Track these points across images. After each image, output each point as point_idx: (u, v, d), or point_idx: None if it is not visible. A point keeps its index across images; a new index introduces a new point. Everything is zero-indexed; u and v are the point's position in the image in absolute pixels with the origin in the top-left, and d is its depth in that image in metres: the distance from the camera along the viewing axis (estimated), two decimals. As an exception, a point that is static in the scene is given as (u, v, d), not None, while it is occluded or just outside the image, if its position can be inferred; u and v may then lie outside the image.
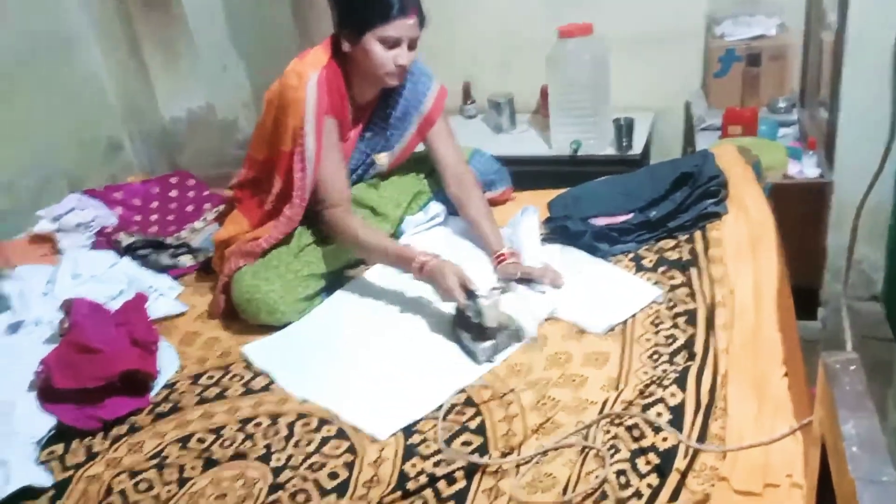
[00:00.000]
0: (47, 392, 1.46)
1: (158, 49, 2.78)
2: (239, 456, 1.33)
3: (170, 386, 1.56)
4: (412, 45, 1.72)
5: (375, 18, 1.65)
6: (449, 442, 1.28)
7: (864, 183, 2.20)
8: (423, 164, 2.05)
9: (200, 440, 1.39)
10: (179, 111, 2.88)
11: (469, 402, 1.38)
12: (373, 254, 1.76)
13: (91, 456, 1.39)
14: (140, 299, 1.75)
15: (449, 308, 1.61)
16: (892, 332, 2.31)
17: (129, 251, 1.98)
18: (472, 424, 1.32)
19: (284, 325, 1.69)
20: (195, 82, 2.91)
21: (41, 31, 2.39)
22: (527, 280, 1.67)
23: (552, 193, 1.97)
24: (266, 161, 1.79)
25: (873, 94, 2.23)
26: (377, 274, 1.82)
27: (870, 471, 0.71)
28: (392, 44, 1.68)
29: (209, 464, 1.32)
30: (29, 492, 1.30)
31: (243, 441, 1.36)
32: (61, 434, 1.44)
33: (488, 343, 1.49)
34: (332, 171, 1.74)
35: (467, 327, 1.52)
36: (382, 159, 1.94)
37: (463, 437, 1.29)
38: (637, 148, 2.67)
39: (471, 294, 1.53)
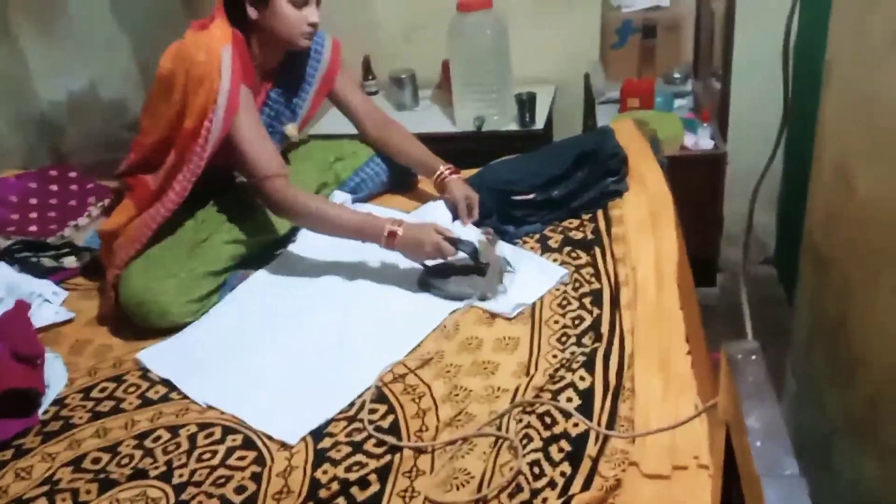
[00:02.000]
0: (-82, 419, 1.34)
1: (31, 23, 2.57)
2: (138, 475, 1.25)
3: (59, 402, 1.45)
4: (319, 3, 1.71)
5: None
6: (360, 444, 1.24)
7: (756, 153, 2.26)
8: (329, 151, 1.99)
9: (95, 460, 1.30)
10: (59, 94, 2.69)
11: (381, 398, 1.35)
12: (329, 226, 1.66)
13: (-27, 487, 1.28)
14: (21, 308, 1.63)
15: (373, 275, 1.65)
16: (785, 294, 2.43)
17: (5, 255, 1.83)
18: (385, 422, 1.29)
19: (178, 329, 1.61)
20: (75, 61, 2.72)
21: None
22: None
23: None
24: (160, 142, 1.69)
25: (764, 63, 2.30)
26: (282, 264, 1.76)
27: (773, 465, 0.72)
28: (302, 3, 1.66)
29: (106, 485, 1.24)
30: None
31: (142, 458, 1.29)
32: (-63, 463, 1.33)
33: (490, 274, 1.56)
34: (261, 140, 1.66)
35: (457, 272, 1.58)
36: (291, 130, 1.89)
37: (374, 439, 1.25)
38: (540, 122, 2.68)
39: (454, 241, 1.57)
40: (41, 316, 1.67)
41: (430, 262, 1.62)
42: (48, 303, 1.72)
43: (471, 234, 1.70)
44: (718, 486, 1.01)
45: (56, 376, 1.50)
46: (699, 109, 2.50)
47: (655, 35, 2.67)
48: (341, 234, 1.65)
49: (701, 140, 2.33)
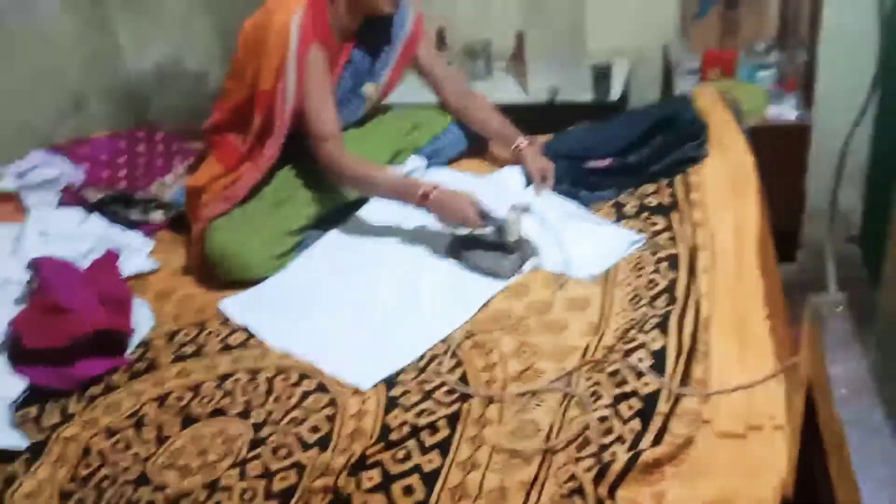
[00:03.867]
0: (18, 353, 1.43)
1: (121, -1, 2.67)
2: (218, 413, 1.31)
3: (145, 344, 1.53)
4: None
5: None
6: (430, 393, 1.27)
7: (842, 125, 2.19)
8: (406, 120, 2.02)
9: (178, 398, 1.36)
10: (146, 64, 2.78)
11: (450, 352, 1.37)
12: (371, 187, 1.72)
13: (67, 417, 1.36)
14: (111, 257, 1.71)
15: (440, 240, 1.64)
16: (868, 275, 2.33)
17: (97, 208, 1.92)
18: (454, 375, 1.30)
19: (260, 282, 1.66)
20: (161, 33, 2.81)
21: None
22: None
23: (537, 138, 1.93)
24: (242, 103, 1.74)
25: (852, 35, 2.20)
26: (354, 226, 1.79)
27: (858, 412, 0.70)
28: None
29: (188, 421, 1.30)
30: (4, 455, 1.28)
31: (222, 398, 1.34)
32: (35, 395, 1.41)
33: (514, 256, 1.53)
34: (320, 102, 1.69)
35: (484, 247, 1.57)
36: (370, 89, 1.91)
37: (445, 388, 1.27)
38: (615, 93, 2.64)
39: (484, 214, 1.55)
40: (129, 265, 1.75)
41: (460, 232, 1.61)
42: (136, 253, 1.80)
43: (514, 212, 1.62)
44: (795, 448, 0.99)
45: (142, 320, 1.57)
46: (783, 81, 2.42)
47: (738, 6, 2.59)
48: (381, 194, 1.71)
49: (785, 111, 2.26)
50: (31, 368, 1.42)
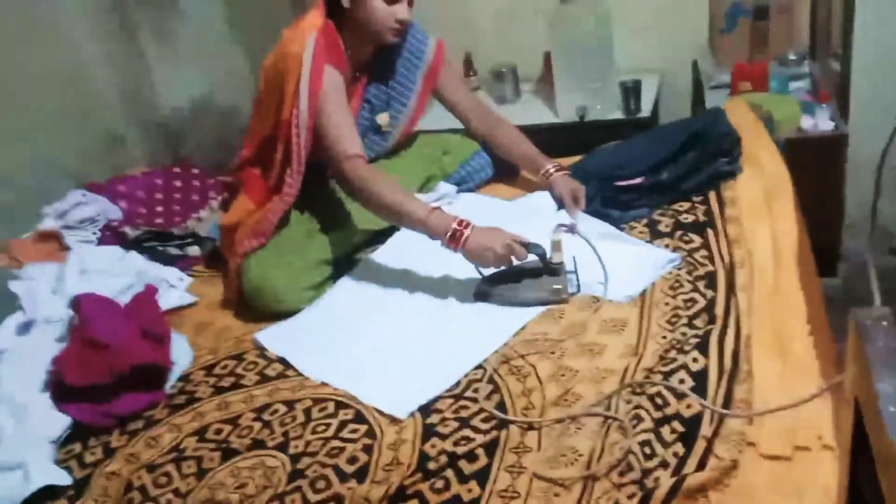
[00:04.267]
0: (61, 391, 1.45)
1: (155, 37, 2.74)
2: (257, 445, 1.31)
3: (184, 378, 1.54)
4: (411, 2, 1.72)
5: None
6: (468, 420, 1.25)
7: (879, 134, 2.14)
8: (436, 146, 2.03)
9: (217, 431, 1.37)
10: (179, 100, 2.85)
11: (486, 378, 1.36)
12: (399, 216, 1.59)
13: (109, 453, 1.38)
14: (150, 291, 1.73)
15: (462, 280, 1.60)
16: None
17: (135, 244, 1.96)
18: (491, 402, 1.29)
19: (295, 312, 1.67)
20: (193, 70, 2.87)
21: (36, 23, 2.35)
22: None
23: (563, 162, 1.92)
24: (267, 137, 1.76)
25: (886, 42, 2.17)
26: (386, 255, 1.79)
27: (909, 431, 0.68)
28: None
29: (227, 454, 1.30)
30: (49, 491, 1.30)
31: (260, 429, 1.34)
32: (78, 432, 1.43)
33: (566, 276, 1.51)
34: (340, 121, 1.65)
35: (524, 278, 1.52)
36: (384, 119, 1.91)
37: (482, 415, 1.26)
38: (646, 110, 2.62)
39: (526, 245, 1.51)
40: (167, 300, 1.77)
41: (487, 271, 1.55)
42: (173, 288, 1.83)
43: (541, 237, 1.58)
44: (846, 468, 0.96)
45: (181, 354, 1.59)
46: (817, 91, 2.38)
47: (768, 17, 2.57)
48: (407, 224, 1.59)
49: (819, 122, 2.22)
50: (74, 405, 1.44)
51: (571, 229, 1.59)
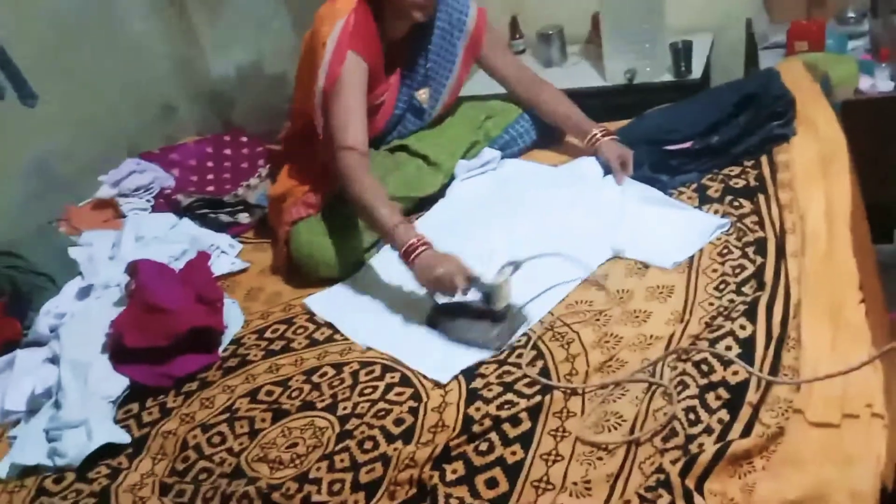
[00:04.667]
0: (119, 353, 1.51)
1: (202, 7, 2.77)
2: (307, 406, 1.35)
3: (236, 341, 1.59)
4: None
5: None
6: (511, 385, 1.27)
7: (945, 93, 2.06)
8: (479, 110, 2.01)
9: (269, 392, 1.41)
10: (228, 69, 2.88)
11: (529, 343, 1.37)
12: (370, 219, 1.58)
13: (165, 413, 1.43)
14: (203, 258, 1.78)
15: (519, 239, 1.58)
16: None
17: (188, 211, 2.01)
18: (535, 367, 1.30)
19: (343, 278, 1.70)
20: (241, 38, 2.90)
21: (91, 1, 2.40)
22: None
23: (610, 126, 1.90)
24: (308, 112, 1.76)
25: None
26: (433, 221, 1.81)
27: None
28: None
29: (278, 415, 1.35)
30: (110, 449, 1.36)
31: (310, 392, 1.38)
32: (136, 393, 1.49)
33: (502, 325, 1.38)
34: (347, 109, 1.63)
35: (468, 315, 1.42)
36: (423, 95, 1.90)
37: (526, 380, 1.27)
38: (697, 72, 2.56)
39: (473, 280, 1.41)
40: (220, 265, 1.82)
41: (441, 299, 1.48)
42: (225, 254, 1.88)
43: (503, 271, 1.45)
44: (895, 437, 0.94)
45: (234, 318, 1.64)
46: (877, 50, 2.28)
47: (827, -28, 2.46)
48: (376, 230, 1.60)
49: (879, 82, 2.13)
50: (132, 367, 1.50)
51: (516, 268, 1.43)
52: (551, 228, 1.64)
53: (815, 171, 1.57)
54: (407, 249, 1.47)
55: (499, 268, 1.43)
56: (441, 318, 1.47)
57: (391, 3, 1.70)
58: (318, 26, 1.68)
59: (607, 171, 1.77)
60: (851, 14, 2.45)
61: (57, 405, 1.45)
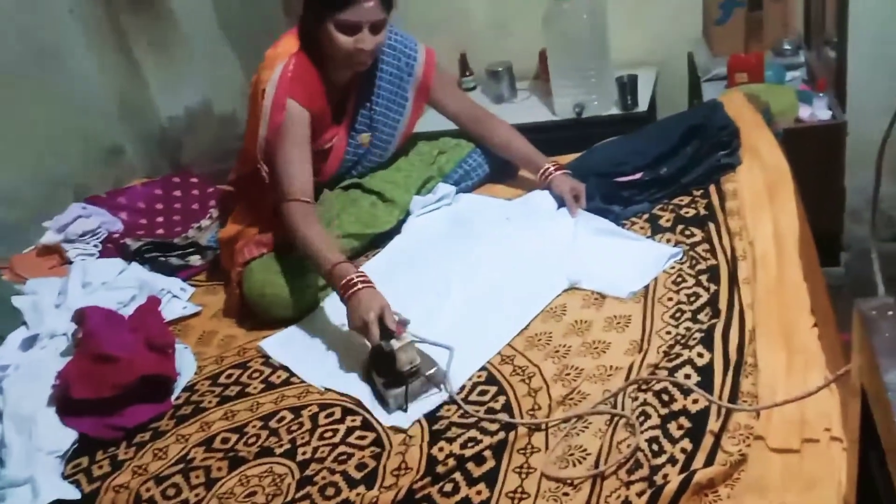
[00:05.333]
0: (67, 405, 1.45)
1: (150, 48, 2.74)
2: (265, 452, 1.31)
3: (189, 388, 1.54)
4: (376, 29, 1.66)
5: (332, 3, 1.60)
6: (475, 423, 1.25)
7: (878, 121, 2.13)
8: (433, 146, 2.03)
9: (224, 440, 1.37)
10: (177, 109, 2.85)
11: (490, 379, 1.36)
12: (314, 264, 1.56)
13: (116, 465, 1.38)
14: (153, 302, 1.73)
15: (476, 269, 1.61)
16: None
17: (137, 255, 1.96)
18: (497, 403, 1.29)
19: (298, 319, 1.67)
20: (189, 78, 2.87)
21: (33, 40, 2.35)
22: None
23: (560, 160, 1.92)
24: (255, 157, 1.74)
25: (881, 27, 2.16)
26: (384, 260, 1.79)
27: (918, 422, 0.67)
28: (352, 29, 1.63)
29: (235, 463, 1.30)
30: (58, 506, 1.30)
31: (268, 437, 1.35)
32: (85, 446, 1.43)
33: (400, 389, 1.33)
34: (289, 161, 1.63)
35: (380, 369, 1.38)
36: (364, 139, 1.89)
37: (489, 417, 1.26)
38: (642, 105, 2.62)
39: (386, 333, 1.37)
40: (171, 310, 1.78)
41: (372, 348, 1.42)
42: (177, 298, 1.83)
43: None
44: (855, 460, 0.95)
45: (186, 365, 1.59)
46: (814, 80, 2.37)
47: (762, 7, 2.56)
48: (319, 271, 1.56)
49: (817, 111, 2.21)
50: (80, 419, 1.44)
51: (419, 339, 1.41)
52: (507, 261, 1.65)
53: (762, 198, 1.61)
54: (345, 285, 1.45)
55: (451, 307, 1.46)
56: (369, 366, 1.43)
57: (329, 54, 1.69)
58: (260, 71, 1.68)
59: (561, 204, 1.79)
60: (787, 46, 2.54)
61: (0, 463, 1.38)
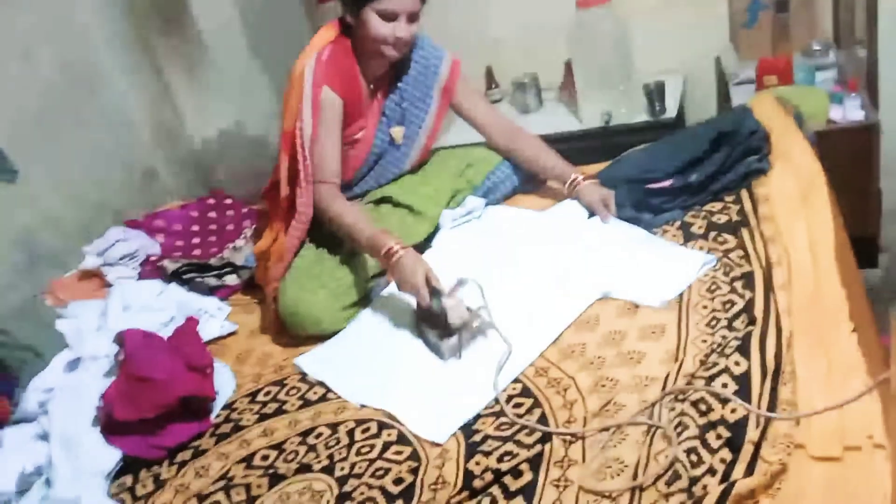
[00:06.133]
0: (110, 425, 1.48)
1: (182, 72, 2.80)
2: (303, 469, 1.33)
3: (229, 406, 1.57)
4: (412, 19, 1.74)
5: None
6: (511, 436, 1.25)
7: (914, 119, 2.11)
8: (460, 159, 2.04)
9: (264, 457, 1.39)
10: (209, 132, 2.91)
11: (525, 392, 1.36)
12: (351, 238, 1.70)
13: (159, 484, 1.41)
14: (191, 323, 1.77)
15: (504, 281, 1.62)
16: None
17: (175, 277, 2.00)
18: (533, 416, 1.29)
19: (332, 334, 1.69)
20: (221, 101, 2.93)
21: (69, 66, 2.42)
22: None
23: (587, 170, 1.92)
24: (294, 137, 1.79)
25: (915, 23, 2.13)
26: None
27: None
28: (390, 17, 1.70)
29: (275, 480, 1.32)
30: (104, 525, 1.33)
31: (306, 453, 1.36)
32: (129, 465, 1.46)
33: (453, 339, 1.48)
34: (324, 144, 1.74)
35: (431, 324, 1.52)
36: (397, 132, 1.93)
37: (525, 430, 1.26)
38: (671, 111, 2.60)
39: (435, 291, 1.51)
40: (208, 330, 1.81)
41: (417, 304, 1.58)
42: (214, 318, 1.86)
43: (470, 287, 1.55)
44: (899, 467, 0.94)
45: (225, 383, 1.62)
46: (845, 80, 2.34)
47: (788, 9, 2.54)
48: (358, 247, 1.70)
49: (849, 111, 2.18)
50: (124, 439, 1.47)
51: (462, 283, 1.54)
52: (539, 272, 1.65)
53: (796, 203, 1.59)
54: (386, 254, 1.58)
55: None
56: (417, 320, 1.58)
57: (362, 40, 1.75)
58: (296, 64, 1.75)
59: (590, 213, 1.79)
60: (816, 47, 2.51)
61: (48, 483, 1.41)
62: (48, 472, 1.43)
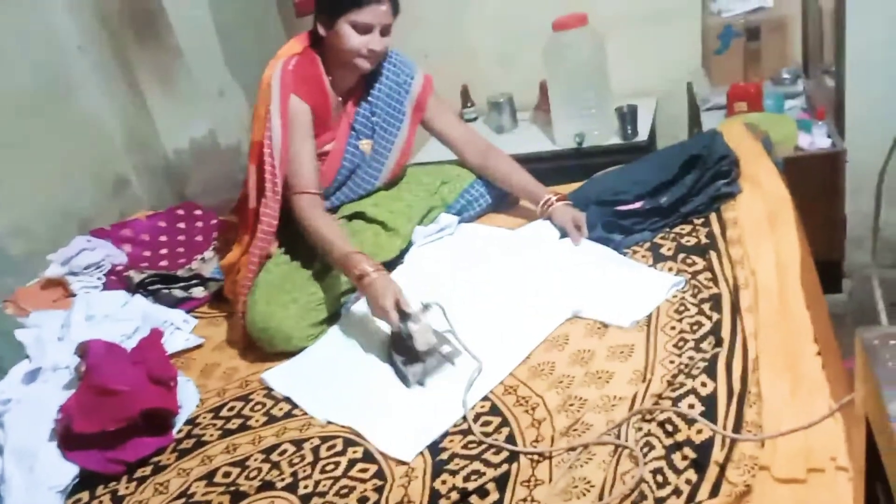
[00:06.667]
0: (68, 439, 1.44)
1: (156, 81, 2.77)
2: (266, 486, 1.30)
3: (191, 421, 1.54)
4: (385, 32, 1.75)
5: (349, 3, 1.68)
6: (478, 455, 1.24)
7: (878, 148, 2.15)
8: (435, 176, 2.04)
9: (226, 474, 1.36)
10: (182, 141, 2.88)
11: (493, 410, 1.35)
12: (326, 252, 1.67)
13: (117, 501, 1.37)
14: (156, 335, 1.73)
15: (472, 301, 1.61)
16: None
17: (140, 288, 1.97)
18: (501, 435, 1.28)
19: (301, 350, 1.67)
20: (195, 110, 2.91)
21: (43, 75, 2.39)
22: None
23: (559, 190, 1.93)
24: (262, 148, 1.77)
25: (879, 56, 2.18)
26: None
27: (921, 452, 0.67)
28: (364, 29, 1.71)
29: (236, 497, 1.29)
30: (58, 542, 1.29)
31: (269, 470, 1.34)
32: (86, 481, 1.42)
33: (418, 366, 1.46)
34: (299, 152, 1.73)
35: (400, 348, 1.50)
36: (366, 146, 1.92)
37: (492, 449, 1.25)
38: (643, 134, 2.64)
39: (404, 315, 1.48)
40: (173, 342, 1.77)
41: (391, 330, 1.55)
42: (179, 330, 1.83)
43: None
44: (861, 489, 0.94)
45: (188, 398, 1.59)
46: (812, 109, 2.39)
47: (759, 37, 2.59)
48: (332, 262, 1.66)
49: (817, 139, 2.22)
50: (82, 453, 1.43)
51: (428, 307, 1.51)
52: (509, 290, 1.65)
53: (763, 226, 1.61)
54: (359, 275, 1.55)
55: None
56: (389, 345, 1.55)
57: (336, 52, 1.75)
58: (266, 70, 1.75)
59: (563, 234, 1.80)
60: (786, 75, 2.57)
61: None
62: (1, 487, 1.38)
